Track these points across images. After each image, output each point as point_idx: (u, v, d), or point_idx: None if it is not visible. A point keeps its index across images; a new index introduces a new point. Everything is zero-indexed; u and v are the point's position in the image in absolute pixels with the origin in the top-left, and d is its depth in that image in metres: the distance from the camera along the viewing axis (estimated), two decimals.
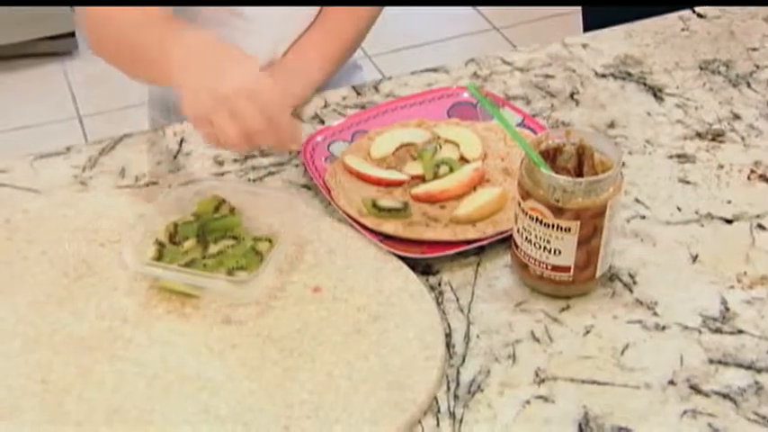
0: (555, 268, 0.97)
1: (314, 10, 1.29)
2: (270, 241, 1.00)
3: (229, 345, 0.94)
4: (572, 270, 0.97)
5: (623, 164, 1.13)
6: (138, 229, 1.01)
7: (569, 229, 0.94)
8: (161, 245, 0.99)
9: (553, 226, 0.94)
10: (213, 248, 0.99)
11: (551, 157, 0.99)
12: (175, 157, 1.17)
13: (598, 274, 0.98)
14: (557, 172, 0.97)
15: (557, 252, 0.95)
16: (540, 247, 0.96)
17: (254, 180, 1.13)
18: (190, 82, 0.97)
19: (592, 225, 0.94)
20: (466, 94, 1.22)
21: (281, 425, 0.86)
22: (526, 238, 0.97)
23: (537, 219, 0.95)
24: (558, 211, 0.93)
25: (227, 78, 0.95)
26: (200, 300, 0.98)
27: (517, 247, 0.99)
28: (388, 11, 1.38)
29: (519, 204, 0.96)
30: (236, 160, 1.16)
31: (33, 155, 1.17)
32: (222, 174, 1.14)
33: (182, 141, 1.19)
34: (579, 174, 0.99)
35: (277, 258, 0.98)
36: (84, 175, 1.14)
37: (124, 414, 0.87)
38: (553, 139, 0.99)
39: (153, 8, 1.09)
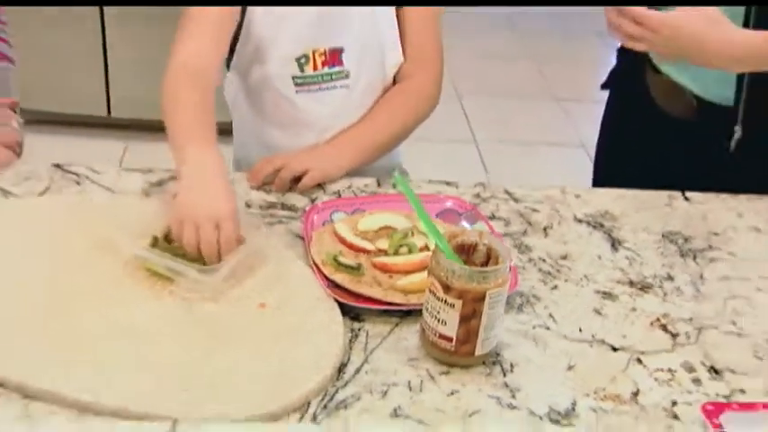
0: (441, 336, 1.08)
1: (358, 112, 1.49)
2: None
3: (179, 322, 1.11)
4: (454, 341, 1.08)
5: (555, 287, 1.25)
6: (143, 224, 1.21)
7: (453, 305, 1.06)
8: (156, 239, 1.18)
9: (442, 300, 1.06)
10: None
11: (467, 251, 1.12)
12: None
13: (477, 352, 1.09)
14: (467, 264, 1.10)
15: (443, 322, 1.07)
16: (433, 316, 1.08)
17: (267, 223, 1.32)
18: (181, 195, 1.19)
19: (472, 307, 1.06)
20: (450, 203, 1.37)
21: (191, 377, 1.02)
22: (426, 307, 1.10)
23: (433, 292, 1.07)
24: (447, 288, 1.05)
25: (201, 204, 1.17)
26: (179, 290, 1.16)
27: (422, 315, 1.11)
28: None
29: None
30: (261, 207, 1.35)
31: (123, 167, 1.41)
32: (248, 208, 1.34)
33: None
34: None
35: (234, 261, 1.16)
36: (150, 188, 1.37)
37: (85, 345, 1.06)
38: (468, 237, 1.12)
39: (208, 98, 1.31)
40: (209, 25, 1.36)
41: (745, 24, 1.40)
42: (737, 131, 1.52)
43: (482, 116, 3.72)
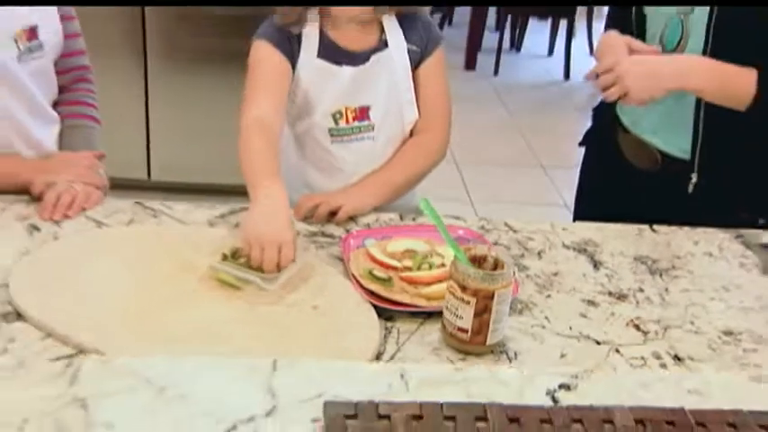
0: (459, 329, 1.31)
1: (381, 160, 1.75)
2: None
3: (246, 321, 1.34)
4: (469, 333, 1.31)
5: (549, 296, 1.49)
6: (211, 247, 1.46)
7: (469, 302, 1.29)
8: (225, 256, 1.43)
9: (460, 298, 1.30)
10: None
11: (478, 261, 1.36)
12: None
13: (488, 342, 1.32)
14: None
15: (461, 317, 1.30)
16: (452, 312, 1.32)
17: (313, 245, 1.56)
18: (251, 221, 1.43)
19: (484, 303, 1.29)
20: (461, 231, 1.61)
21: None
22: (446, 306, 1.33)
23: (452, 293, 1.31)
24: (463, 289, 1.29)
25: (268, 231, 1.41)
26: (244, 296, 1.39)
27: (442, 313, 1.35)
28: None
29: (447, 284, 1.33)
30: (305, 235, 1.60)
31: (192, 203, 1.66)
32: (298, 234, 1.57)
33: None
34: None
35: (290, 273, 1.40)
36: (214, 220, 1.61)
37: (174, 336, 1.29)
38: (480, 250, 1.36)
39: (275, 145, 1.57)
40: (271, 87, 1.62)
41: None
42: (694, 177, 1.77)
43: (477, 182, 3.99)
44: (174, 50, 3.28)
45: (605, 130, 1.98)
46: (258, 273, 1.40)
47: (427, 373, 1.05)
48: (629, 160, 1.90)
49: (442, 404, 0.96)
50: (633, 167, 1.89)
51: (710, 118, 1.72)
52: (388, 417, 0.92)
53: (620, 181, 1.94)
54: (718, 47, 1.67)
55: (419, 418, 0.93)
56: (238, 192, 1.61)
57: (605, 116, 1.98)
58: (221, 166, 3.24)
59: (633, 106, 1.72)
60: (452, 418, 0.93)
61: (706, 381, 1.11)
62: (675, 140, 1.80)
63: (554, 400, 1.04)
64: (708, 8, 1.67)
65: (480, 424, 0.94)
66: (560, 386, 1.08)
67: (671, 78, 1.66)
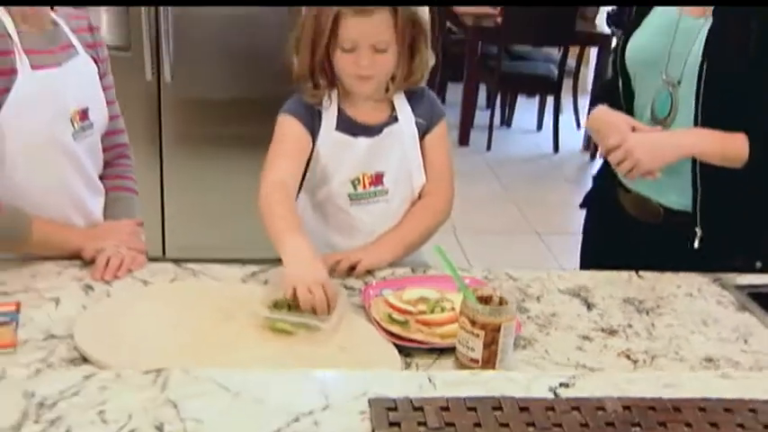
0: (470, 359, 1.49)
1: (394, 220, 1.95)
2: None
3: (280, 359, 1.51)
4: (479, 362, 1.49)
5: (548, 333, 1.67)
6: (250, 297, 1.65)
7: (478, 335, 1.47)
8: (269, 307, 1.61)
9: (470, 332, 1.48)
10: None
11: (485, 300, 1.54)
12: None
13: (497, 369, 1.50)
14: None
15: (472, 349, 1.49)
16: (463, 345, 1.50)
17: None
18: (289, 269, 1.64)
19: (492, 335, 1.47)
20: (467, 280, 1.80)
21: None
22: (458, 341, 1.51)
23: (463, 327, 1.49)
24: (473, 323, 1.48)
25: (309, 274, 1.61)
26: (288, 340, 1.57)
27: (455, 348, 1.53)
28: None
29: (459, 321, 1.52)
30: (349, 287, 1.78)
31: (226, 262, 1.85)
32: None
33: None
34: None
35: (340, 310, 1.61)
36: (246, 277, 1.80)
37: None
38: (486, 291, 1.55)
39: (293, 206, 1.78)
40: (290, 156, 1.84)
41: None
42: (698, 232, 1.96)
43: (476, 251, 4.20)
44: (187, 138, 3.52)
45: (606, 191, 2.16)
46: (311, 315, 1.59)
47: (450, 377, 1.24)
48: (630, 214, 2.07)
49: (464, 398, 1.15)
50: (635, 226, 2.06)
51: (707, 175, 1.92)
52: (421, 408, 1.11)
53: (622, 240, 2.11)
54: (707, 116, 1.87)
55: (446, 409, 1.12)
56: None
57: (606, 178, 2.16)
58: (232, 245, 3.45)
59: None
60: (474, 409, 1.12)
61: (679, 377, 1.29)
62: (675, 197, 1.98)
63: (555, 394, 1.23)
64: (696, 79, 1.86)
65: (497, 412, 1.13)
66: (560, 384, 1.26)
67: (675, 150, 1.86)
